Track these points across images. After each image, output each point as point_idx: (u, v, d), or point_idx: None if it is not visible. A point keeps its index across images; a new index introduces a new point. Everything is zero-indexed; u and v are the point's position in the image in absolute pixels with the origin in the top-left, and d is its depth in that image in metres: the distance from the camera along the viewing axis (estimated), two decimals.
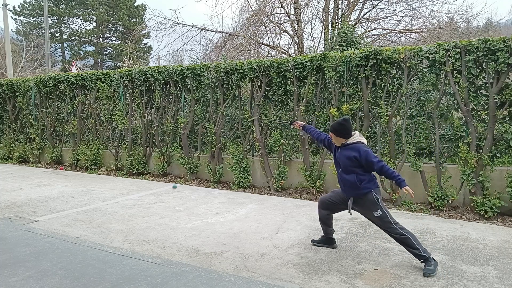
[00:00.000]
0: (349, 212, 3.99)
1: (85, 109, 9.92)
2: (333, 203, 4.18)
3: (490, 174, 5.49)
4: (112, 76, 9.36)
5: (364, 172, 3.83)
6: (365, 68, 6.28)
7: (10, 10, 28.72)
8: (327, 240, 4.35)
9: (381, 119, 6.16)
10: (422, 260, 3.71)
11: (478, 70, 5.54)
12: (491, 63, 5.39)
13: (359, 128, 6.45)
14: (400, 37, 15.61)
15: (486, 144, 5.50)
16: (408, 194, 3.61)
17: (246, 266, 3.89)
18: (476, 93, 5.61)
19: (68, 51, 41.35)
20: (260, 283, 3.49)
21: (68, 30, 41.07)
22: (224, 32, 16.58)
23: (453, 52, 5.60)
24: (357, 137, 3.91)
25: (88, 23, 41.60)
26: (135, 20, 39.03)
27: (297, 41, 15.38)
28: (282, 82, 7.12)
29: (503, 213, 5.46)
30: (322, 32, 15.65)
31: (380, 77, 6.31)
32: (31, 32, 35.80)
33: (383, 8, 15.32)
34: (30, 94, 10.91)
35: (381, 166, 3.71)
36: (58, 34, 40.57)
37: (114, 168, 9.33)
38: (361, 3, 15.60)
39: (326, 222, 4.29)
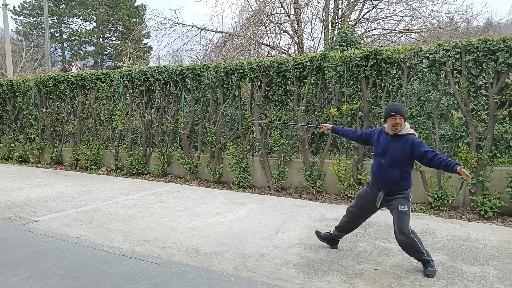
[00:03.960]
0: (377, 204, 3.83)
1: (85, 109, 9.92)
2: (364, 217, 4.07)
3: (490, 174, 5.50)
4: (112, 76, 9.36)
5: (409, 169, 3.72)
6: (365, 68, 6.28)
7: (10, 10, 28.72)
8: (332, 240, 4.26)
9: (381, 119, 6.16)
10: (422, 263, 3.68)
11: (478, 70, 5.54)
12: (491, 63, 5.39)
13: (359, 128, 6.44)
14: (400, 37, 15.61)
15: (486, 144, 5.50)
16: (466, 176, 3.39)
17: (246, 266, 3.89)
18: (476, 93, 5.61)
19: (68, 51, 41.31)
20: (260, 283, 3.49)
21: (68, 30, 41.06)
22: (224, 32, 16.59)
23: (453, 52, 5.60)
24: (409, 128, 3.76)
25: (88, 23, 41.57)
26: (135, 20, 39.00)
27: (297, 41, 15.37)
28: (282, 82, 7.12)
29: (503, 213, 5.46)
30: (322, 32, 15.65)
31: (380, 77, 6.32)
32: (31, 32, 35.79)
33: (383, 8, 15.31)
34: (30, 94, 10.91)
35: (435, 153, 3.54)
36: (58, 34, 40.55)
37: (114, 168, 9.33)
38: (361, 3, 15.59)
39: (353, 227, 4.18)
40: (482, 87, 5.64)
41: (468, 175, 3.41)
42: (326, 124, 4.51)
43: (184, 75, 8.18)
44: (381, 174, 3.78)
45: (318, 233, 4.38)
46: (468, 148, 5.57)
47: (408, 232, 3.63)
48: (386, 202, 3.80)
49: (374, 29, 16.17)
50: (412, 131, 3.76)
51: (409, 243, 3.64)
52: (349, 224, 4.17)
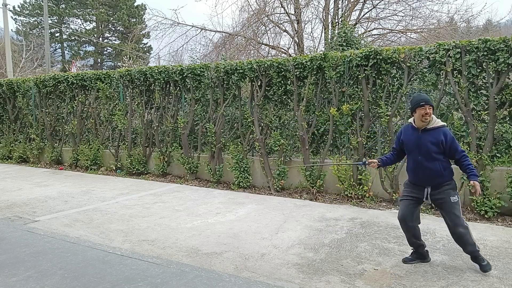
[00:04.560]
0: (425, 200, 3.69)
1: (85, 109, 9.92)
2: (415, 212, 3.81)
3: (490, 174, 5.49)
4: (112, 76, 9.36)
5: (445, 159, 3.63)
6: (365, 68, 6.28)
7: (10, 10, 28.70)
8: (420, 255, 3.91)
9: (381, 119, 6.16)
10: (474, 256, 3.67)
11: (478, 70, 5.54)
12: (491, 63, 5.39)
13: (359, 128, 6.45)
14: (400, 37, 15.60)
15: (486, 144, 5.50)
16: (475, 190, 3.51)
17: (246, 266, 3.88)
18: (476, 93, 5.61)
19: (68, 51, 41.33)
20: (260, 283, 3.49)
21: (68, 30, 41.06)
22: (224, 32, 16.58)
23: (453, 52, 5.60)
24: (438, 120, 3.67)
25: (88, 23, 41.60)
26: (135, 20, 39.00)
27: (297, 41, 15.37)
28: (282, 82, 7.12)
29: (503, 213, 5.46)
30: (322, 32, 15.65)
31: (380, 77, 6.31)
32: (31, 32, 35.79)
33: (383, 8, 15.31)
34: (30, 94, 10.91)
35: (463, 155, 3.58)
36: (58, 34, 40.55)
37: (114, 168, 9.32)
38: (361, 3, 15.59)
39: (417, 235, 3.85)
40: (482, 87, 5.64)
41: (478, 192, 3.51)
42: (373, 160, 4.12)
43: (184, 75, 8.18)
44: (421, 171, 3.65)
45: (406, 260, 3.92)
46: (468, 148, 5.57)
47: (464, 222, 3.59)
48: (433, 196, 3.67)
49: (374, 29, 16.17)
50: (443, 123, 3.67)
51: (465, 234, 3.57)
52: (410, 232, 3.84)
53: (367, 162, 4.11)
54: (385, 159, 4.09)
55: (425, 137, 3.62)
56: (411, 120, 3.79)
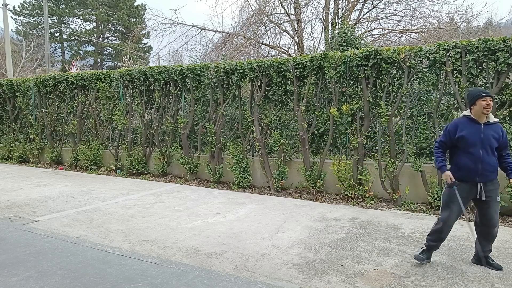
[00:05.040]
0: (482, 197, 3.66)
1: (84, 109, 9.92)
2: (458, 215, 3.80)
3: None
4: (112, 76, 9.36)
5: (497, 155, 3.68)
6: (365, 68, 6.28)
7: (10, 10, 28.67)
8: (430, 256, 3.92)
9: (382, 119, 6.16)
10: (486, 257, 3.81)
11: (478, 70, 5.54)
12: (491, 63, 5.39)
13: (359, 128, 6.44)
14: (400, 37, 15.58)
15: None
16: None
17: (246, 266, 3.88)
18: None
19: (68, 51, 41.33)
20: (260, 283, 3.49)
21: (68, 30, 41.06)
22: (224, 32, 16.56)
23: (453, 52, 5.60)
24: (492, 115, 3.71)
25: (88, 23, 41.59)
26: (135, 20, 39.01)
27: (297, 40, 15.36)
28: (282, 82, 7.12)
29: (503, 213, 5.45)
30: (322, 32, 15.64)
31: (380, 77, 6.31)
32: (31, 32, 35.79)
33: (383, 8, 15.29)
34: (30, 94, 10.90)
35: (508, 153, 3.68)
36: (58, 34, 40.54)
37: (114, 168, 9.32)
38: (361, 3, 15.58)
39: (445, 238, 3.87)
40: (482, 87, 5.64)
41: None
42: (448, 174, 3.74)
43: (184, 75, 8.18)
44: (480, 165, 3.60)
45: (418, 257, 3.85)
46: None
47: (498, 220, 3.77)
48: (484, 193, 3.67)
49: (374, 29, 16.15)
50: (497, 119, 3.78)
51: (496, 234, 3.77)
52: (446, 235, 3.86)
53: (453, 182, 3.74)
54: (445, 163, 3.86)
55: (487, 131, 3.61)
56: (466, 113, 3.73)
